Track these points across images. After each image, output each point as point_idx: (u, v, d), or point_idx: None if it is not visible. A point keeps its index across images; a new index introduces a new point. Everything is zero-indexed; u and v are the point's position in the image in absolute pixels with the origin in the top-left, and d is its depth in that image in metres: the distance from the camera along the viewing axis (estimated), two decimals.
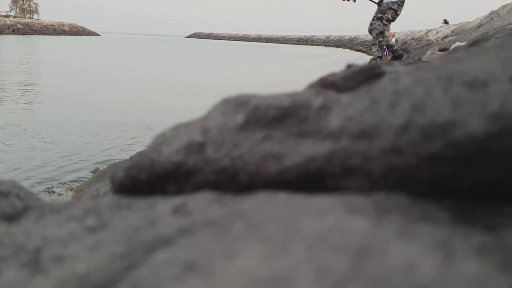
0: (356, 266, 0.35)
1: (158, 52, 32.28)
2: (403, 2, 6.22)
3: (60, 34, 65.74)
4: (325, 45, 62.12)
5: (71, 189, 4.43)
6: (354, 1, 6.48)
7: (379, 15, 6.13)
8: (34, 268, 0.47)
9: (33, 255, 0.49)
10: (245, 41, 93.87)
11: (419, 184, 0.48)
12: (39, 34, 59.88)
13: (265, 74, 16.66)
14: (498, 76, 0.47)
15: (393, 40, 18.55)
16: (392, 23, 6.37)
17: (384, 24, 6.13)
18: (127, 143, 6.29)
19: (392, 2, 6.07)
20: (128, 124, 7.36)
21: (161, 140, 0.68)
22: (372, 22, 6.46)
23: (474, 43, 5.15)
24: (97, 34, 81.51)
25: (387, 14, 6.07)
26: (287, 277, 0.35)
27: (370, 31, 6.47)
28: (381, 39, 6.31)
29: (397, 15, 6.18)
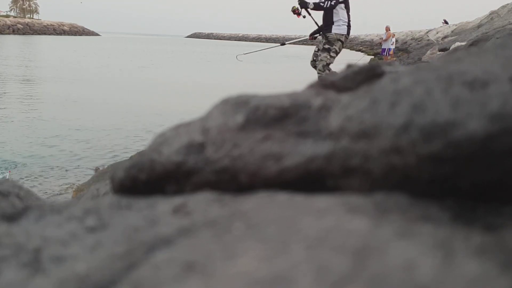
0: (356, 266, 0.35)
1: (158, 52, 32.27)
2: (349, 35, 5.80)
3: (60, 34, 65.75)
4: None
5: (71, 189, 4.43)
6: (304, 17, 6.10)
7: (327, 46, 5.65)
8: (34, 268, 0.47)
9: (33, 255, 0.49)
10: (245, 41, 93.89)
11: (419, 184, 0.47)
12: (39, 34, 59.88)
13: (266, 74, 16.65)
14: (498, 76, 0.47)
15: (393, 40, 18.57)
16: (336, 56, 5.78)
17: (331, 57, 5.60)
18: (127, 143, 6.29)
19: (340, 34, 5.63)
20: (128, 124, 7.36)
21: (161, 140, 0.68)
22: (316, 53, 5.91)
23: (474, 43, 5.14)
24: (97, 34, 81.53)
25: (335, 46, 5.60)
26: (287, 277, 0.35)
27: (313, 61, 5.79)
28: (327, 71, 5.70)
29: (343, 48, 5.73)
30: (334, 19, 5.66)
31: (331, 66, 5.66)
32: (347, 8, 5.67)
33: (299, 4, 5.83)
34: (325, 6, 5.58)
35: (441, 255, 0.36)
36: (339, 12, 5.64)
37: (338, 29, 5.64)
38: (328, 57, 5.61)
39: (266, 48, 6.35)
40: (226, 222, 0.47)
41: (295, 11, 5.88)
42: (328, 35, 5.67)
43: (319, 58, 5.72)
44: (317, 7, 5.70)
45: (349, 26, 5.73)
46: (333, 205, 0.47)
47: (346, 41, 5.75)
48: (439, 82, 0.49)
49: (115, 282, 0.42)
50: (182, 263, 0.41)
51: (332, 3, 5.53)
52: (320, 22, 5.87)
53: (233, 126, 0.62)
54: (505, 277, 0.34)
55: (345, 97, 0.60)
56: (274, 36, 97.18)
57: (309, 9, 5.74)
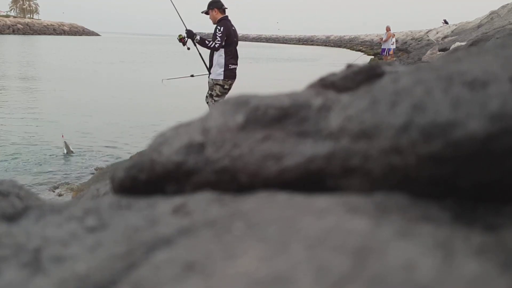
0: (356, 266, 0.35)
1: (158, 52, 32.27)
2: (231, 78, 5.61)
3: (60, 34, 65.74)
4: (325, 45, 62.16)
5: (71, 189, 4.43)
6: (188, 49, 5.80)
7: (209, 92, 5.65)
8: (34, 268, 0.47)
9: (33, 255, 0.49)
10: (245, 41, 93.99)
11: (419, 184, 0.48)
12: (39, 34, 59.87)
13: (266, 74, 16.68)
14: (498, 76, 0.47)
15: (393, 40, 18.58)
16: (224, 95, 5.63)
17: (215, 100, 5.52)
18: (127, 143, 6.30)
19: (216, 79, 5.50)
20: (128, 124, 7.36)
21: (161, 140, 0.68)
22: None
23: (474, 43, 5.13)
24: (97, 34, 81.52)
25: (215, 89, 5.53)
26: (287, 277, 0.35)
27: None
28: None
29: (226, 89, 5.58)
30: (213, 62, 5.55)
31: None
32: (228, 52, 5.51)
33: (186, 33, 5.68)
34: (209, 45, 5.43)
35: (441, 255, 0.36)
36: (217, 56, 5.52)
37: (214, 74, 5.53)
38: (213, 101, 5.51)
39: (183, 76, 6.34)
40: (226, 222, 0.47)
41: (182, 40, 5.80)
42: (208, 80, 5.65)
43: (206, 101, 5.68)
44: (201, 43, 5.57)
45: (228, 70, 5.53)
46: (333, 205, 0.47)
47: (231, 83, 5.56)
48: (439, 82, 0.49)
49: (115, 282, 0.42)
50: (182, 263, 0.41)
51: (216, 45, 5.38)
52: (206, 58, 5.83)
53: (233, 126, 0.62)
54: (505, 277, 0.34)
55: (345, 97, 0.60)
56: (274, 36, 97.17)
57: (195, 42, 5.66)
